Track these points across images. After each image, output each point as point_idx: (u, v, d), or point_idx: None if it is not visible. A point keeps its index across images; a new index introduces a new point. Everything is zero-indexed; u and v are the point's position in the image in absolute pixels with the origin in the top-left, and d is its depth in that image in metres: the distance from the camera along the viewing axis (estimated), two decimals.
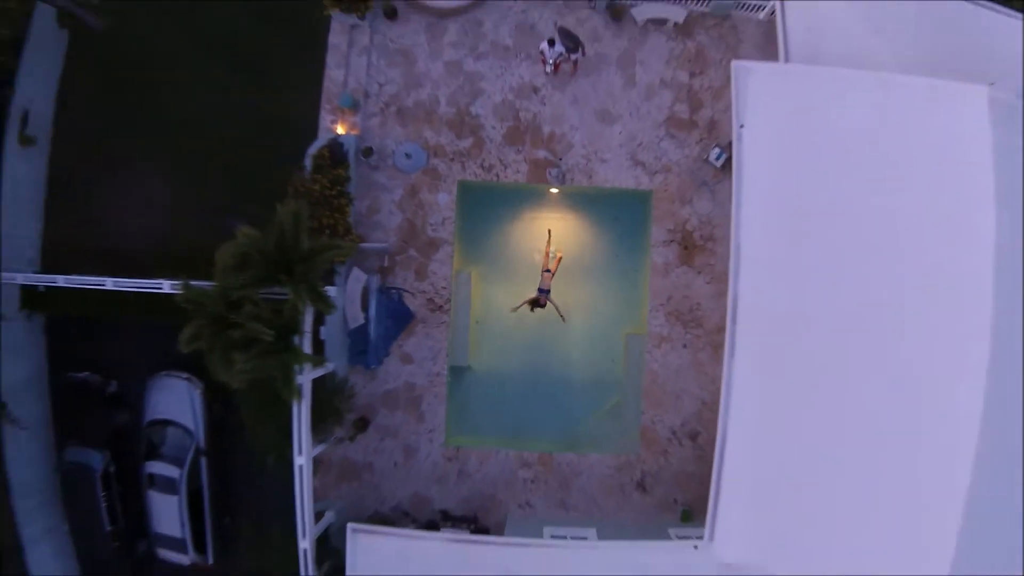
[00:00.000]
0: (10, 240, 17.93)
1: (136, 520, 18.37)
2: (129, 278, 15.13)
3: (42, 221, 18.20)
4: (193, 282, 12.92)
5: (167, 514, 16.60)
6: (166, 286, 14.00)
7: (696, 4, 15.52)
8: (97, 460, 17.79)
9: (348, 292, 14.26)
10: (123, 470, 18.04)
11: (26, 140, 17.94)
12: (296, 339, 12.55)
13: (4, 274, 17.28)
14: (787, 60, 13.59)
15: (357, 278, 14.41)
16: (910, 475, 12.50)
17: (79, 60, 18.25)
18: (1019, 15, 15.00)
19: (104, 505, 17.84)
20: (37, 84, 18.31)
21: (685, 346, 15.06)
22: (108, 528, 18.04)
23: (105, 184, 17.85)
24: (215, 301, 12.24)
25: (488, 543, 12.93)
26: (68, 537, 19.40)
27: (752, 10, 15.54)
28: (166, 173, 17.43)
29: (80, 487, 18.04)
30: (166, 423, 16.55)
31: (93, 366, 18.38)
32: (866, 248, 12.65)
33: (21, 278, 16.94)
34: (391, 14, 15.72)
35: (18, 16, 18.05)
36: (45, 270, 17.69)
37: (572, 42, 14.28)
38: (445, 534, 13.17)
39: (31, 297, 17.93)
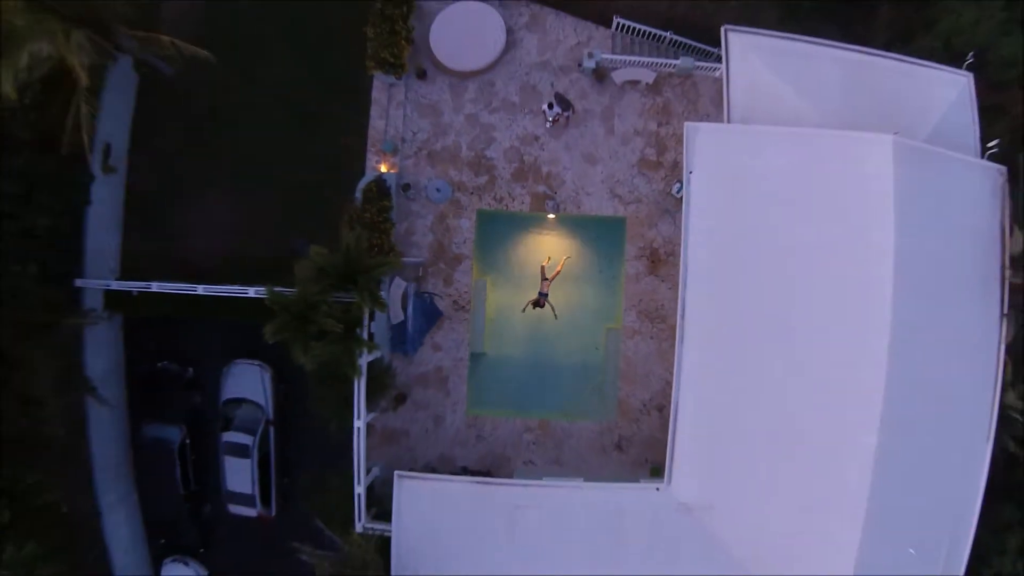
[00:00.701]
0: (96, 253, 22.26)
1: (204, 486, 22.90)
2: (203, 284, 19.34)
3: (120, 236, 22.65)
4: (276, 288, 17.45)
5: (240, 475, 21.11)
6: (251, 292, 18.48)
7: (664, 67, 20.21)
8: (175, 434, 22.21)
9: (391, 295, 18.81)
10: (196, 443, 22.61)
11: (108, 169, 22.19)
12: (358, 331, 17.14)
13: (95, 280, 21.64)
14: (730, 119, 18.16)
15: (398, 285, 18.99)
16: (825, 433, 17.04)
17: (150, 100, 22.50)
18: (929, 65, 19.48)
19: (179, 473, 22.36)
20: (115, 121, 22.51)
21: (652, 338, 19.79)
22: (181, 492, 22.57)
23: (174, 205, 22.11)
24: (297, 303, 16.77)
25: (501, 484, 17.59)
26: (137, 506, 23.87)
27: (709, 70, 20.20)
28: (229, 197, 21.73)
29: (158, 458, 22.40)
30: (241, 401, 21.10)
31: (171, 356, 22.91)
32: (787, 262, 17.23)
33: (115, 284, 21.04)
34: (422, 75, 20.36)
35: (103, 70, 22.47)
36: (123, 278, 22.07)
37: (565, 104, 19.00)
38: (469, 478, 17.83)
39: (112, 299, 22.34)
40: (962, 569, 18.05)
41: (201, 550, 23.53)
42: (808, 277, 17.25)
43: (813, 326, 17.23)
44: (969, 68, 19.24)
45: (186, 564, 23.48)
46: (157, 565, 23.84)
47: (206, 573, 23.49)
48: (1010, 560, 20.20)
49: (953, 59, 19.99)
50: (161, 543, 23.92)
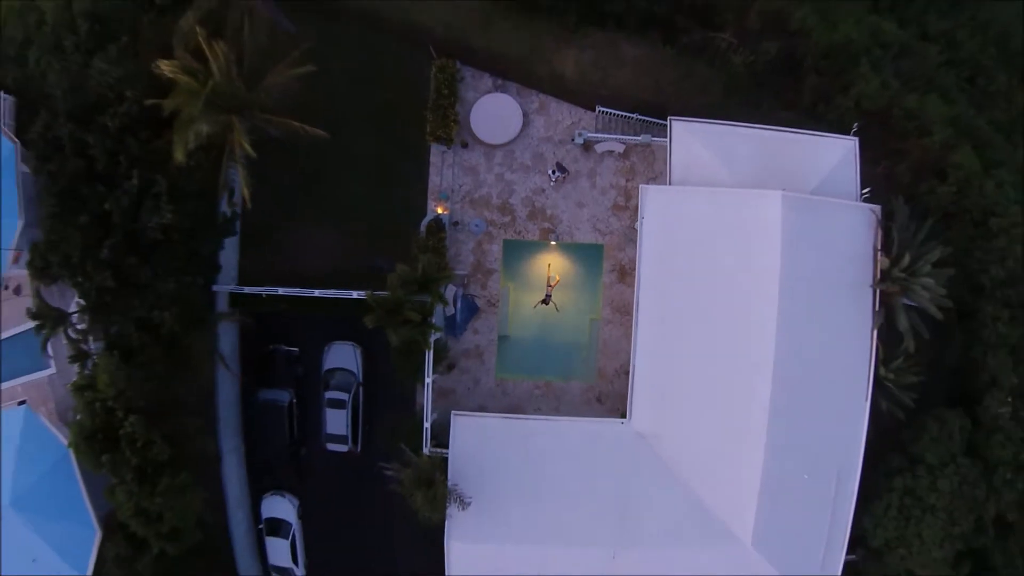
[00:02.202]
0: (224, 267, 32.57)
1: (303, 435, 33.21)
2: (307, 289, 29.68)
3: (238, 254, 33.06)
4: (375, 292, 27.91)
5: (337, 422, 31.44)
6: (354, 294, 28.91)
7: (630, 141, 30.82)
8: (285, 397, 32.51)
9: (446, 296, 29.48)
10: (299, 403, 32.85)
11: (232, 205, 32.72)
12: (429, 319, 27.77)
13: (229, 286, 31.88)
14: (671, 182, 28.60)
15: (450, 289, 29.59)
16: (735, 385, 27.30)
17: (260, 152, 32.50)
18: (821, 134, 29.17)
19: (287, 425, 32.78)
20: (234, 169, 33.14)
21: (621, 325, 30.49)
22: (287, 440, 32.93)
23: (279, 232, 32.31)
24: (389, 301, 27.31)
25: (521, 418, 28.43)
26: (243, 454, 34.02)
27: (661, 142, 30.63)
28: (323, 228, 32.14)
29: (271, 415, 32.51)
30: (338, 370, 31.63)
31: (280, 341, 33.24)
32: (707, 276, 27.66)
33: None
34: (464, 145, 31.02)
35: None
36: (241, 284, 32.29)
37: (563, 169, 29.80)
38: (499, 415, 28.57)
39: (234, 300, 32.69)
40: (853, 496, 28.07)
41: (297, 482, 33.84)
42: (721, 285, 27.69)
43: (724, 316, 27.70)
44: (856, 134, 29.28)
45: (283, 496, 33.76)
46: (258, 498, 34.12)
47: (298, 503, 33.84)
48: (897, 496, 29.91)
49: (861, 116, 30.20)
50: (265, 480, 34.25)
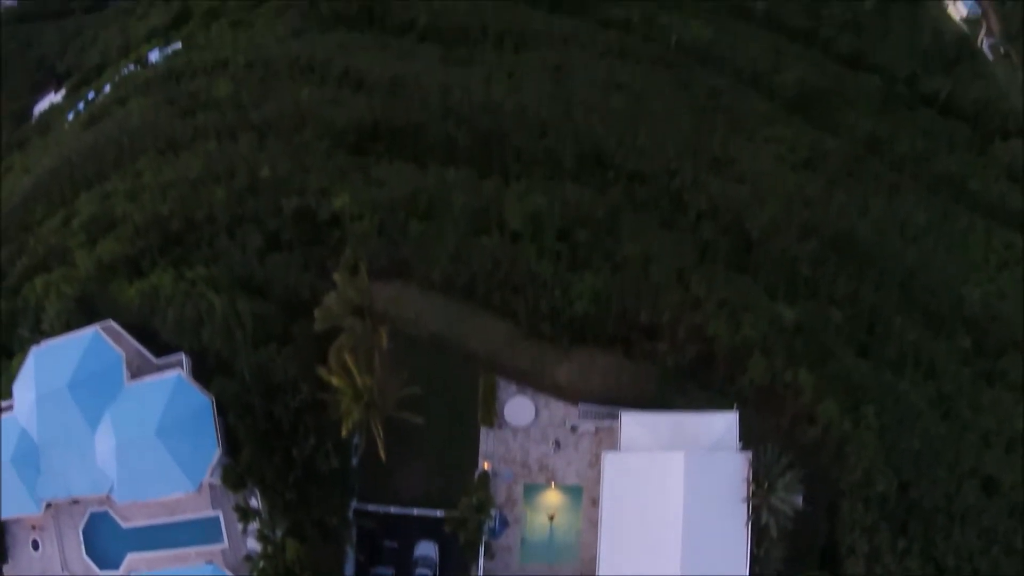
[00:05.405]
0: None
1: None
2: None
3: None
4: (451, 512, 52.83)
5: None
6: (438, 513, 53.73)
7: (599, 423, 57.08)
8: (390, 573, 56.30)
9: (490, 514, 54.29)
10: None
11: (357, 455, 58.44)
12: (482, 527, 52.46)
13: (357, 504, 56.99)
14: (620, 450, 54.03)
15: (492, 511, 54.39)
16: (658, 557, 51.54)
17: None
18: (714, 412, 55.16)
19: None
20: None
21: (593, 533, 54.82)
22: None
23: (387, 469, 57.63)
24: (461, 518, 52.19)
25: None
26: None
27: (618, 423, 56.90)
28: (413, 469, 57.13)
29: None
30: (423, 556, 55.56)
31: (386, 536, 57.45)
32: (641, 499, 52.89)
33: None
34: (500, 427, 57.31)
35: None
36: (360, 501, 57.27)
37: (558, 445, 56.16)
38: None
39: None
40: None
41: None
42: (650, 505, 52.08)
43: (652, 518, 51.84)
44: (748, 400, 54.89)
45: None
46: None
47: None
48: None
49: (754, 388, 54.99)
50: None
